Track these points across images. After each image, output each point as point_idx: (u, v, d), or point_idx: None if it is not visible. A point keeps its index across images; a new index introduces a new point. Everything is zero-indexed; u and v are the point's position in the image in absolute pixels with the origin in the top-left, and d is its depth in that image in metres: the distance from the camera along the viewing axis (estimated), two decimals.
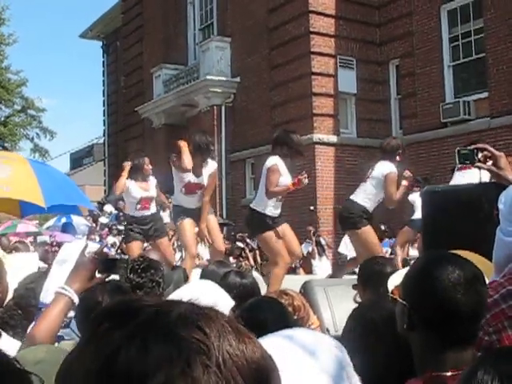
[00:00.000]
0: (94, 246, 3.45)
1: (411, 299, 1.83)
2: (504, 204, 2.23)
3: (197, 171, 7.34)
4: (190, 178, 7.35)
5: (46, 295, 3.09)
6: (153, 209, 8.54)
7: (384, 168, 7.23)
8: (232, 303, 2.90)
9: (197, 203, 7.46)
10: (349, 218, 7.31)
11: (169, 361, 0.68)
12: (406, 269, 2.30)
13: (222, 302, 2.80)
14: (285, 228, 7.06)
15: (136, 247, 8.20)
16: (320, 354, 1.68)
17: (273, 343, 1.60)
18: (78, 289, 2.36)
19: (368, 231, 7.24)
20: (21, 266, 3.98)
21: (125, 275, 3.27)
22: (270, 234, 6.85)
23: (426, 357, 1.79)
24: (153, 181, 8.60)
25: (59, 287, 2.35)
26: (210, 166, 7.49)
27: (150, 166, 8.59)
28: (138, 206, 8.34)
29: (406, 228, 10.25)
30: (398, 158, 7.35)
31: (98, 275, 2.47)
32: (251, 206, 7.08)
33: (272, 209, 6.92)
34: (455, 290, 1.75)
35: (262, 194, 6.88)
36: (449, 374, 1.72)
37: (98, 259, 2.48)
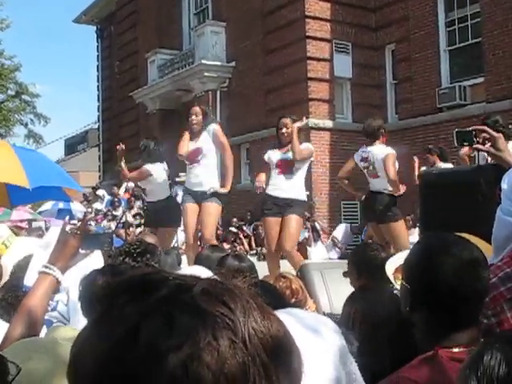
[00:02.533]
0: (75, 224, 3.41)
1: (413, 281, 1.83)
2: (508, 183, 2.21)
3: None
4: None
5: (29, 278, 3.06)
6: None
7: (381, 151, 7.21)
8: None
9: (199, 177, 7.35)
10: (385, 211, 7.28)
11: (195, 333, 0.66)
12: (405, 252, 2.28)
13: None
14: None
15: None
16: (323, 337, 1.67)
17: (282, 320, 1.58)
18: (62, 266, 2.29)
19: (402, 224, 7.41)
20: (18, 249, 3.95)
21: (116, 257, 3.24)
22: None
23: (430, 336, 1.78)
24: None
25: (42, 266, 2.29)
26: (210, 128, 7.39)
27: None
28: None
29: None
30: (381, 138, 7.34)
31: (81, 251, 2.41)
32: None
33: None
34: (457, 272, 1.75)
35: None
36: (455, 350, 1.71)
37: (81, 235, 2.41)
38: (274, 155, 7.14)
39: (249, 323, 0.69)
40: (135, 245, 3.43)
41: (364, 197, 7.59)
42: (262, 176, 7.22)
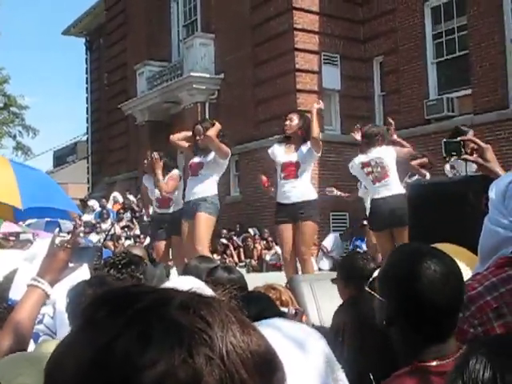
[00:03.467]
0: (65, 236, 3.39)
1: (389, 294, 1.81)
2: (495, 193, 2.21)
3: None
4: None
5: (15, 291, 3.03)
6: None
7: (387, 151, 7.18)
8: None
9: (194, 190, 7.34)
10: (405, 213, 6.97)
11: (170, 350, 0.64)
12: None
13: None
14: None
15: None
16: (309, 348, 1.66)
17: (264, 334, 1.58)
18: (51, 280, 2.27)
19: None
20: (3, 262, 3.91)
21: (102, 269, 3.22)
22: None
23: (408, 349, 1.78)
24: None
25: (31, 279, 2.26)
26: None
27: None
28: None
29: None
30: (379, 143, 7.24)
31: (70, 265, 2.39)
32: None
33: None
34: (432, 284, 1.74)
35: None
36: (434, 363, 1.71)
37: (71, 248, 2.39)
38: (279, 153, 7.04)
39: (227, 338, 0.67)
40: (120, 256, 3.41)
41: (369, 208, 7.46)
42: (263, 178, 7.26)
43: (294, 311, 2.88)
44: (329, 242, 15.20)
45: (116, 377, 0.64)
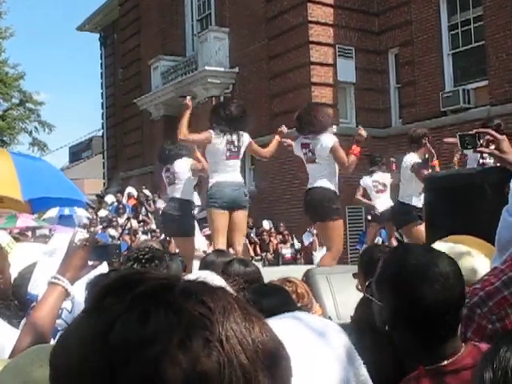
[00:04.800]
0: (84, 234, 3.40)
1: (387, 297, 1.77)
2: None
3: None
4: None
5: (34, 286, 3.05)
6: None
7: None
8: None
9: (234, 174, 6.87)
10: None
11: (167, 330, 0.66)
12: None
13: None
14: None
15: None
16: (330, 339, 1.67)
17: (284, 325, 1.58)
18: (71, 277, 2.30)
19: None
20: (22, 256, 3.93)
21: (125, 264, 3.23)
22: None
23: (412, 353, 1.75)
24: None
25: (52, 277, 2.28)
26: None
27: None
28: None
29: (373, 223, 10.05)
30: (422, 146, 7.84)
31: (90, 263, 2.41)
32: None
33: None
34: (429, 287, 1.69)
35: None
36: (444, 362, 1.69)
37: (90, 246, 2.41)
38: (297, 148, 6.82)
39: (228, 324, 0.68)
40: (143, 251, 3.41)
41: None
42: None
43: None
44: None
45: (116, 355, 0.65)
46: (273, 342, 0.72)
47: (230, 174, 6.65)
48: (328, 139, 6.49)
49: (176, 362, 0.65)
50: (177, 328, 0.66)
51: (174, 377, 0.64)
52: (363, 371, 1.68)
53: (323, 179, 6.48)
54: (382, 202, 9.31)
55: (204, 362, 0.65)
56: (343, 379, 1.60)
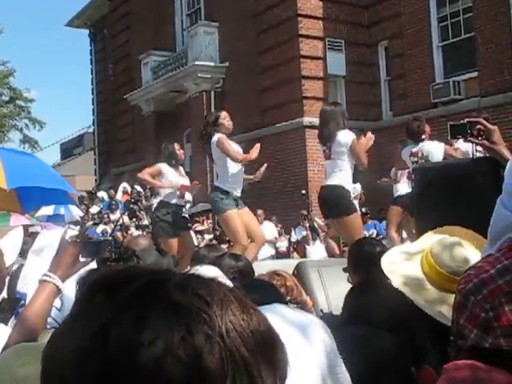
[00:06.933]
0: (74, 231, 3.36)
1: None
2: (509, 176, 2.18)
3: None
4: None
5: (22, 284, 3.03)
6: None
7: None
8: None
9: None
10: None
11: (168, 328, 0.64)
12: (402, 246, 2.25)
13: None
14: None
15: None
16: (310, 336, 1.64)
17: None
18: (62, 275, 2.26)
19: None
20: (7, 242, 3.90)
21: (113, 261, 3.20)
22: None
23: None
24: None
25: (43, 274, 2.25)
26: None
27: (182, 151, 8.42)
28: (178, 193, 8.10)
29: (394, 207, 9.71)
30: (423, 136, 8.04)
31: (81, 259, 2.38)
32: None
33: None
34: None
35: None
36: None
37: (81, 243, 2.38)
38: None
39: (226, 317, 0.67)
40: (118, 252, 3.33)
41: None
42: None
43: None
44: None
45: (114, 358, 0.64)
46: (270, 333, 0.71)
47: None
48: (345, 136, 6.50)
49: (179, 360, 0.63)
50: (176, 325, 0.65)
51: (178, 376, 0.63)
52: (342, 369, 1.66)
53: (336, 175, 6.46)
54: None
55: (207, 357, 0.64)
56: (321, 376, 1.58)
